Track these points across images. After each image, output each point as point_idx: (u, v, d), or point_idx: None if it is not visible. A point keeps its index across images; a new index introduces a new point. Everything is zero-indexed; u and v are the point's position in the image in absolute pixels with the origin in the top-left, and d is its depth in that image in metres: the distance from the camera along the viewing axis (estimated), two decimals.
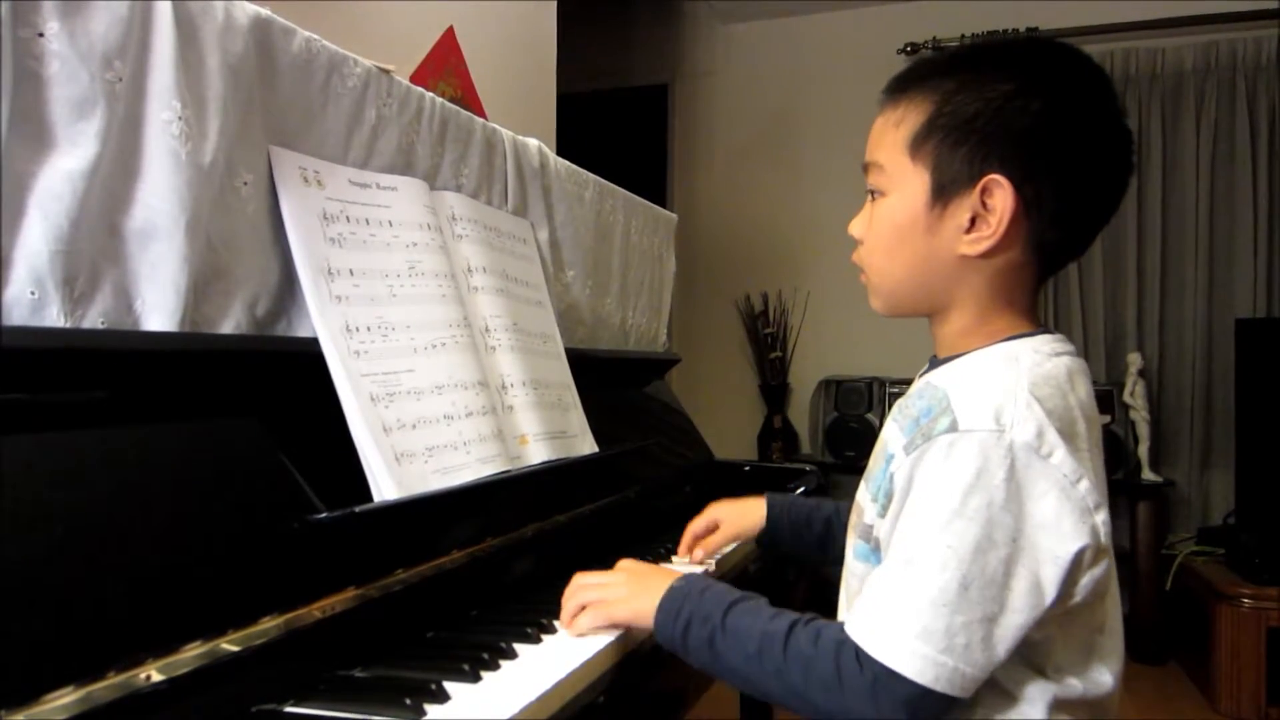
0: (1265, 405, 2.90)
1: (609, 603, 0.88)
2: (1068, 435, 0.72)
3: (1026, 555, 0.70)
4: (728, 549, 1.27)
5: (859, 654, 0.71)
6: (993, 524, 0.69)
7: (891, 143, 0.82)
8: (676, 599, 0.83)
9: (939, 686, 0.68)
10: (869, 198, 0.86)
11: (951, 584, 0.69)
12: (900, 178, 0.81)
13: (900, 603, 0.71)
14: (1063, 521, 0.70)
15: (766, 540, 1.22)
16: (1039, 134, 0.76)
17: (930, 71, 0.81)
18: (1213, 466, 3.40)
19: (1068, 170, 0.77)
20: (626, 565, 0.94)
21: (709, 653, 0.79)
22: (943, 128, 0.78)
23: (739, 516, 1.22)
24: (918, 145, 0.80)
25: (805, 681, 0.73)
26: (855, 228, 0.87)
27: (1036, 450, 0.71)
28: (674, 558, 1.25)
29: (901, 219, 0.81)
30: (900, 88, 0.83)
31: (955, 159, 0.78)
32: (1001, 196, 0.76)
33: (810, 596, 3.26)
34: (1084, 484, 0.72)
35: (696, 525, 1.24)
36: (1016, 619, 0.69)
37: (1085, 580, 0.72)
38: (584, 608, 0.89)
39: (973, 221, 0.78)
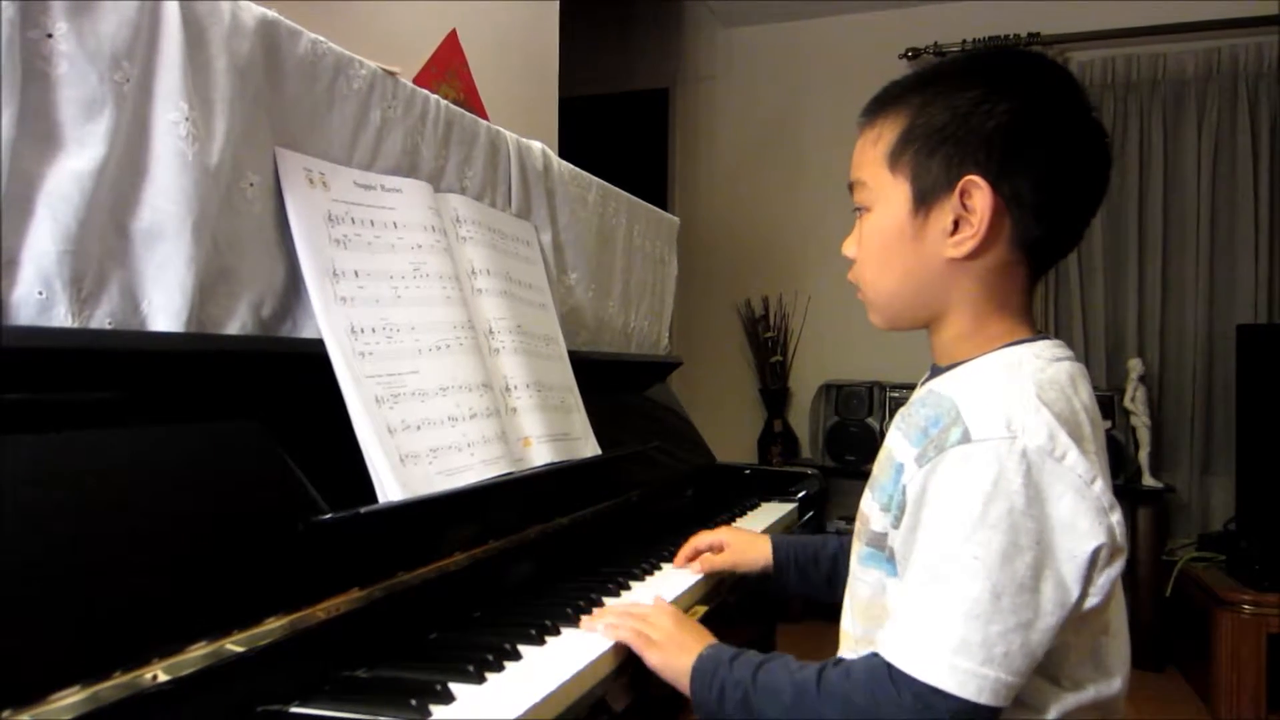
0: (1266, 411, 2.90)
1: (647, 642, 0.89)
2: (1076, 438, 0.73)
3: (1050, 557, 0.70)
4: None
5: (894, 677, 0.71)
6: (1017, 530, 0.70)
7: (871, 159, 0.85)
8: (709, 667, 0.84)
9: (984, 699, 0.68)
10: (856, 216, 0.88)
11: (984, 594, 0.69)
12: (882, 191, 0.84)
13: (933, 618, 0.71)
14: (1079, 521, 0.71)
15: (774, 584, 1.20)
16: (1009, 132, 0.78)
17: (902, 90, 0.84)
18: (1213, 472, 3.39)
19: (1042, 164, 0.78)
20: (669, 610, 0.94)
21: (745, 713, 0.80)
22: (918, 138, 0.81)
23: (746, 546, 1.21)
24: (896, 158, 0.83)
25: (845, 716, 0.73)
26: (847, 247, 0.89)
27: (1050, 453, 0.71)
28: (668, 565, 1.24)
29: (888, 230, 0.84)
30: (876, 108, 0.86)
31: (932, 166, 0.80)
32: (980, 196, 0.78)
33: (808, 606, 3.26)
34: (1098, 484, 0.72)
35: (701, 541, 1.23)
36: (1049, 621, 0.70)
37: (1102, 580, 0.72)
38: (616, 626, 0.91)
39: (956, 224, 0.80)
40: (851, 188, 0.88)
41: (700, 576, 1.19)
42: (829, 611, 0.92)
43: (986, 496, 0.70)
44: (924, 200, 0.81)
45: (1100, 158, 0.82)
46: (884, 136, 0.83)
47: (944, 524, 0.72)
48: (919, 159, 0.81)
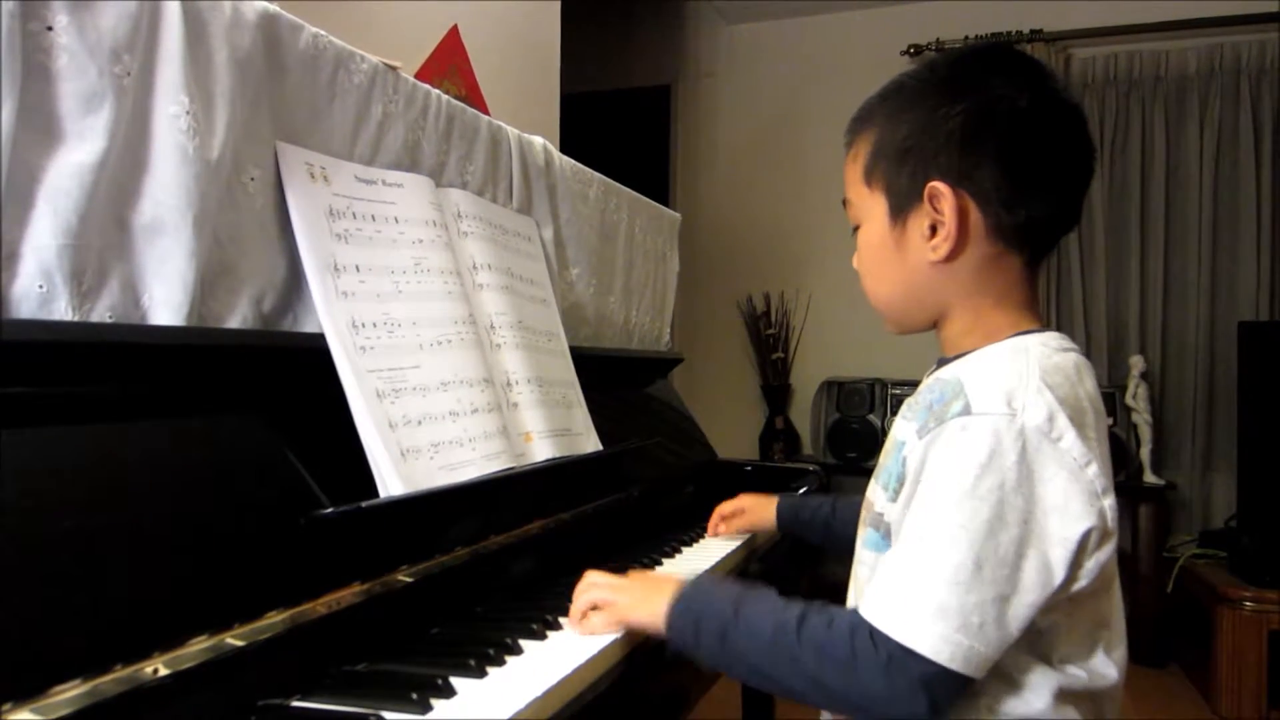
0: (1267, 408, 2.89)
1: (620, 605, 0.89)
2: (1077, 423, 0.74)
3: (1036, 537, 0.71)
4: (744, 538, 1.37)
5: (873, 634, 0.72)
6: (1004, 505, 0.71)
7: (853, 178, 0.90)
8: (686, 598, 0.84)
9: (955, 665, 0.69)
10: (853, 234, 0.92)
11: (966, 563, 0.70)
12: (865, 207, 0.88)
13: (914, 582, 0.72)
14: (1071, 503, 0.71)
15: (777, 527, 1.36)
16: (964, 132, 0.80)
17: (871, 109, 0.88)
18: (1214, 469, 3.39)
19: (1000, 155, 0.80)
20: (635, 574, 0.96)
21: (722, 647, 0.79)
22: (886, 153, 0.85)
23: (759, 508, 1.37)
24: (870, 175, 0.87)
25: (819, 665, 0.74)
26: (854, 262, 0.93)
27: (1047, 434, 0.72)
28: (669, 560, 1.25)
29: (875, 243, 0.88)
30: (853, 128, 0.90)
31: (901, 178, 0.84)
32: (945, 200, 0.81)
33: (811, 594, 3.26)
34: (1093, 468, 0.73)
35: (725, 507, 1.39)
36: (1028, 599, 0.71)
37: (1091, 564, 0.73)
38: (594, 607, 0.90)
39: (934, 229, 0.82)
40: (845, 206, 0.92)
41: (704, 570, 1.19)
42: (842, 594, 0.92)
43: (980, 468, 0.71)
44: (899, 211, 0.84)
45: (1067, 133, 0.82)
46: (859, 156, 0.88)
47: (935, 491, 0.73)
48: (889, 173, 0.85)
